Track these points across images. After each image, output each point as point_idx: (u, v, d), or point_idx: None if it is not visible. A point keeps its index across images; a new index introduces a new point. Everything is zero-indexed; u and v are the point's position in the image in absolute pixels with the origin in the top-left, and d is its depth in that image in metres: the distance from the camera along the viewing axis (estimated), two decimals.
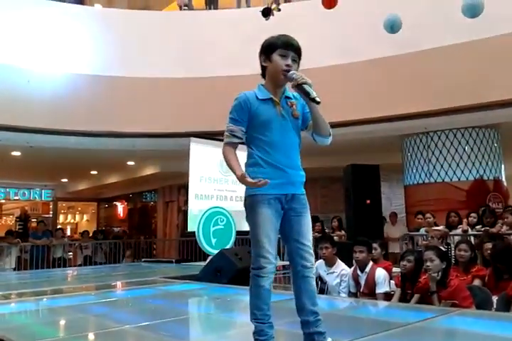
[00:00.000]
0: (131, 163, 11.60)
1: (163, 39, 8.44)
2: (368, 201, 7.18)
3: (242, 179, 1.93)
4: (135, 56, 8.31)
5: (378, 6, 6.88)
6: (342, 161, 8.28)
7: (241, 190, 8.41)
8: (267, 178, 1.94)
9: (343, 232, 7.97)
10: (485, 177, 7.88)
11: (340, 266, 4.37)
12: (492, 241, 4.81)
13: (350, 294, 4.30)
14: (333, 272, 4.37)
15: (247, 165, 2.09)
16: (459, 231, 6.16)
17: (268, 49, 2.10)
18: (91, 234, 11.84)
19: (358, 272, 4.22)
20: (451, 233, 6.17)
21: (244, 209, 2.08)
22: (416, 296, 3.70)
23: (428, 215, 6.98)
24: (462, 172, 7.90)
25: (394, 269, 4.62)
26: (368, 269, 4.15)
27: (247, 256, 5.03)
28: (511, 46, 6.34)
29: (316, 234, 7.34)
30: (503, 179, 8.21)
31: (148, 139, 8.44)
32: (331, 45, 7.53)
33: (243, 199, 2.11)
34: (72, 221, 19.15)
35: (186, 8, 9.70)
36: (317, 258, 4.86)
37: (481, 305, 3.53)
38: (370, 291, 4.11)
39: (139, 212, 16.19)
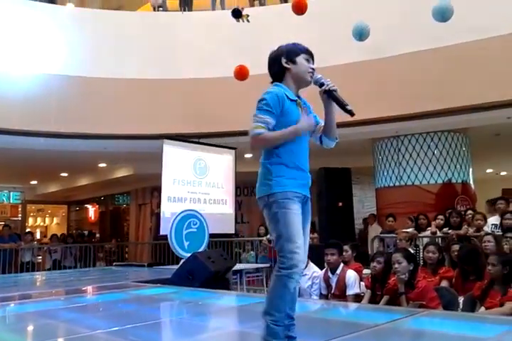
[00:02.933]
0: (102, 164, 11.42)
1: (136, 40, 8.36)
2: (340, 204, 7.29)
3: (309, 122, 2.06)
4: (108, 57, 8.20)
5: (347, 12, 6.99)
6: (314, 164, 8.34)
7: (214, 192, 8.36)
8: (293, 178, 2.01)
9: (315, 235, 8.04)
10: (453, 181, 8.08)
11: (312, 269, 4.42)
12: (459, 243, 4.95)
13: (322, 296, 4.35)
14: (305, 274, 4.41)
15: (270, 163, 2.05)
16: (427, 233, 6.30)
17: (292, 52, 2.18)
18: (61, 237, 11.59)
19: (329, 274, 4.27)
20: (419, 235, 6.31)
21: (266, 207, 2.01)
22: (385, 297, 3.77)
23: (390, 219, 7.13)
24: (431, 175, 8.09)
25: (365, 271, 4.69)
26: (338, 271, 4.21)
27: (220, 259, 5.02)
28: (479, 53, 6.52)
29: None
30: (471, 182, 8.44)
31: (120, 141, 8.33)
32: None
33: (264, 197, 2.02)
34: (41, 224, 18.69)
35: (161, 8, 9.64)
36: None
37: (448, 305, 3.63)
38: (340, 293, 4.17)
39: (110, 214, 15.93)
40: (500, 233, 5.22)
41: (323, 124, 2.22)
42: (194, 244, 6.32)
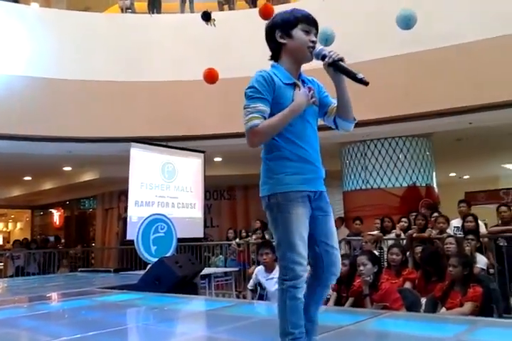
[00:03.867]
0: (67, 168, 11.17)
1: (103, 41, 8.24)
2: None
3: (299, 95, 1.76)
4: (74, 58, 8.04)
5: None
6: None
7: (183, 196, 8.30)
8: (297, 173, 1.76)
9: None
10: (418, 184, 8.29)
11: None
12: (422, 245, 5.08)
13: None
14: (273, 278, 4.42)
15: (269, 159, 1.81)
16: (392, 235, 6.44)
17: (287, 24, 1.84)
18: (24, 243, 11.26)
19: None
20: (384, 237, 6.43)
21: (267, 209, 1.80)
22: (350, 299, 3.83)
23: (357, 222, 7.27)
24: (397, 179, 8.28)
25: None
26: None
27: (187, 264, 4.99)
28: (444, 59, 6.72)
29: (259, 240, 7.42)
30: (435, 186, 8.68)
31: (85, 144, 8.18)
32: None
33: (265, 197, 1.81)
34: (4, 229, 18.13)
35: (129, 10, 9.54)
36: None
37: (411, 306, 3.71)
38: None
39: (76, 219, 15.59)
40: (462, 235, 5.38)
41: (335, 104, 1.90)
42: (162, 249, 6.25)
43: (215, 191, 13.40)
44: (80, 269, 8.68)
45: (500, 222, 5.66)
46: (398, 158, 8.31)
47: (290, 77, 1.84)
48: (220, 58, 7.14)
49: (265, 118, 1.73)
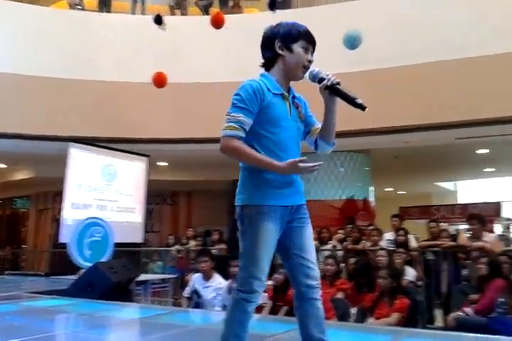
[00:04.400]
0: (2, 165, 10.60)
1: (48, 36, 7.90)
2: None
3: (294, 166, 1.64)
4: (14, 51, 7.67)
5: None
6: (227, 175, 8.44)
7: (123, 200, 8.06)
8: (274, 187, 1.72)
9: (222, 245, 8.09)
10: (355, 197, 8.58)
11: (217, 280, 4.44)
12: (356, 257, 5.26)
13: (225, 307, 4.37)
14: (210, 286, 4.42)
15: (247, 168, 1.77)
16: (328, 246, 6.61)
17: (290, 37, 1.82)
18: None
19: (234, 285, 4.31)
20: (321, 248, 6.59)
21: (239, 219, 1.77)
22: (285, 308, 3.88)
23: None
24: (336, 191, 8.52)
25: (269, 282, 4.80)
26: None
27: (122, 270, 4.87)
28: (381, 80, 7.00)
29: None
30: (371, 199, 9.02)
31: (21, 141, 7.78)
32: (221, 63, 7.67)
33: (238, 207, 1.78)
34: None
35: (79, 7, 9.25)
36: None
37: (342, 316, 3.83)
38: None
39: (7, 219, 14.77)
40: (394, 248, 5.62)
41: (319, 126, 1.90)
42: (97, 254, 6.06)
43: (157, 196, 13.17)
44: (7, 272, 8.22)
45: (430, 236, 5.97)
46: (339, 171, 8.57)
47: (278, 87, 1.82)
48: (169, 63, 7.07)
49: (243, 130, 1.72)
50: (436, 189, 15.21)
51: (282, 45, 1.82)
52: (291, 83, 1.90)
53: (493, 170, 11.79)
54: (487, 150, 9.14)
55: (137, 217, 8.35)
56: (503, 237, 8.46)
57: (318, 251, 6.49)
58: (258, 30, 7.18)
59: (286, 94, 1.84)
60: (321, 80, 1.79)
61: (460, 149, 8.90)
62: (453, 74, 6.53)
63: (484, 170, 11.82)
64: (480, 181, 15.31)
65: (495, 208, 12.65)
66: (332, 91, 1.79)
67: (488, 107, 6.34)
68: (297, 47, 1.81)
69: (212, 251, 7.93)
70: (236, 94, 1.77)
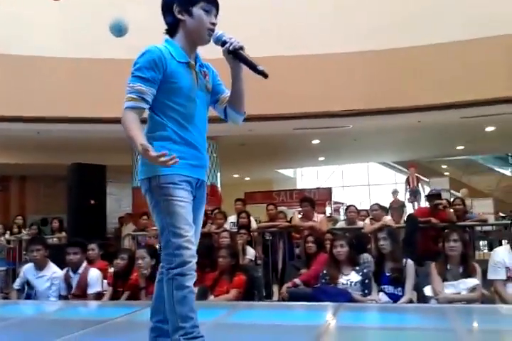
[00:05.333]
0: None
1: None
2: (93, 202, 7.07)
3: (144, 152, 1.50)
4: None
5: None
6: (67, 159, 7.92)
7: None
8: (181, 158, 1.59)
9: (63, 234, 7.59)
10: None
11: (51, 269, 4.16)
12: (201, 239, 5.40)
13: (61, 297, 4.14)
14: (44, 275, 4.13)
15: (153, 137, 1.67)
16: None
17: (188, 0, 1.71)
18: None
19: (71, 273, 4.10)
20: None
21: (147, 192, 1.67)
22: (126, 293, 3.85)
23: (144, 217, 7.31)
24: None
25: (111, 269, 4.67)
26: (80, 270, 4.08)
27: None
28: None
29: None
30: (219, 185, 9.31)
31: None
32: (63, 38, 7.09)
33: (144, 180, 1.68)
34: None
35: None
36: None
37: None
38: (82, 292, 4.04)
39: None
40: (236, 230, 5.91)
41: (228, 94, 1.85)
42: None
43: None
44: None
45: (268, 218, 6.41)
46: None
47: (185, 55, 1.73)
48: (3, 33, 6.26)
49: (144, 101, 1.64)
50: (277, 175, 16.33)
51: (182, 10, 1.72)
52: (199, 49, 1.83)
53: (323, 158, 13.10)
54: (318, 141, 10.11)
55: None
56: (330, 218, 9.55)
57: None
58: (99, 5, 6.90)
59: (193, 62, 1.76)
60: (224, 43, 1.73)
61: (298, 139, 9.69)
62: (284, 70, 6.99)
63: (318, 158, 13.07)
64: (315, 168, 16.93)
65: (327, 193, 14.15)
66: (234, 55, 1.73)
67: (321, 102, 7.03)
68: (198, 10, 1.72)
69: (54, 239, 7.41)
70: (135, 63, 1.67)
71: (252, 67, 1.72)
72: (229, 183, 12.39)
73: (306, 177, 18.13)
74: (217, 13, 1.78)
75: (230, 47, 1.72)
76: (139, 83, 1.64)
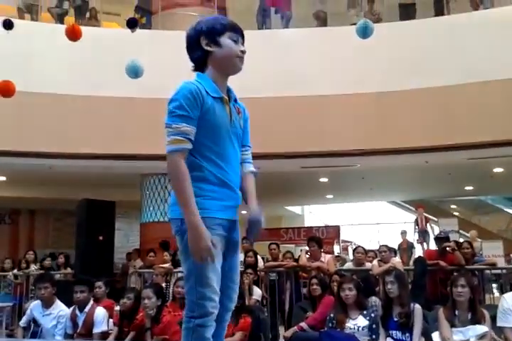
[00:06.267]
0: None
1: None
2: (101, 237, 7.11)
3: (204, 251, 1.50)
4: None
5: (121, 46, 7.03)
6: (77, 195, 8.02)
7: None
8: (217, 199, 1.58)
9: (69, 270, 7.57)
10: None
11: (59, 307, 4.16)
12: None
13: (67, 336, 4.11)
14: (50, 314, 4.12)
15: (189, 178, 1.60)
16: (181, 268, 6.60)
17: (214, 31, 1.68)
18: None
19: (77, 312, 4.09)
20: (175, 270, 6.58)
21: (178, 234, 1.61)
22: (131, 334, 3.81)
23: (151, 254, 7.30)
24: None
25: (117, 307, 4.64)
26: (87, 309, 4.07)
27: None
28: None
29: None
30: None
31: None
32: (72, 74, 7.34)
33: (176, 220, 1.62)
34: None
35: None
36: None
37: None
38: (87, 332, 4.02)
39: None
40: (243, 269, 5.87)
41: (248, 152, 1.84)
42: None
43: None
44: None
45: (271, 258, 6.35)
46: None
47: (217, 90, 1.67)
48: (14, 69, 6.49)
49: (190, 141, 1.57)
50: (285, 212, 16.28)
51: (209, 41, 1.69)
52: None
53: (331, 196, 13.10)
54: (327, 179, 10.16)
55: None
56: (338, 257, 9.44)
57: (171, 273, 6.48)
58: (114, 45, 7.18)
59: (226, 97, 1.70)
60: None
61: (305, 177, 9.76)
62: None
63: (326, 196, 13.07)
64: (322, 206, 16.87)
65: (335, 231, 14.02)
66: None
67: (329, 141, 7.15)
68: (225, 40, 1.70)
69: (57, 276, 7.39)
70: (173, 101, 1.60)
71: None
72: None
73: (314, 214, 18.06)
74: (243, 42, 1.76)
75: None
76: (183, 123, 1.57)
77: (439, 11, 8.10)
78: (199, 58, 1.72)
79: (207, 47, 1.69)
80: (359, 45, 5.77)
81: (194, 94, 1.59)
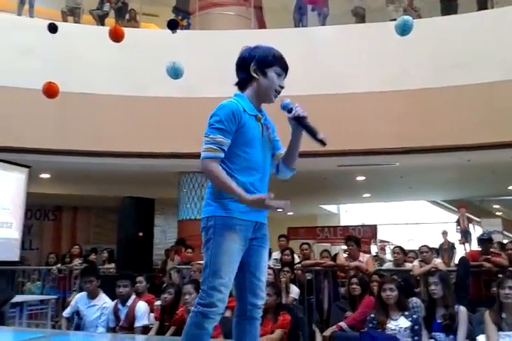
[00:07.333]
0: None
1: None
2: (141, 234, 7.27)
3: (260, 202, 1.67)
4: None
5: (161, 48, 7.15)
6: (120, 192, 8.21)
7: (5, 216, 7.37)
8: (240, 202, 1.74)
9: (112, 265, 7.77)
10: None
11: (103, 299, 4.28)
12: None
13: (109, 329, 4.22)
14: (95, 305, 4.25)
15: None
16: None
17: (265, 62, 1.89)
18: None
19: (119, 306, 4.20)
20: None
21: (204, 230, 1.78)
22: (172, 328, 3.87)
23: (189, 250, 7.41)
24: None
25: (157, 302, 4.73)
26: (129, 303, 4.17)
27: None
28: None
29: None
30: None
31: None
32: (112, 75, 7.51)
33: (204, 218, 1.81)
34: None
35: None
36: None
37: (229, 334, 3.90)
38: (129, 325, 4.11)
39: None
40: (280, 267, 5.86)
41: (283, 152, 2.01)
42: None
43: (38, 210, 12.29)
44: None
45: (302, 258, 6.29)
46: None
47: (254, 109, 1.90)
48: (58, 70, 6.69)
49: (223, 150, 1.78)
50: (321, 211, 16.16)
51: (257, 69, 1.89)
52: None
53: (368, 195, 12.90)
54: (364, 178, 10.01)
55: (14, 232, 7.72)
56: (377, 257, 9.30)
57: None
58: (154, 46, 7.30)
59: (260, 115, 1.92)
60: (290, 110, 1.90)
61: (342, 175, 9.64)
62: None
63: (363, 195, 12.89)
64: (359, 205, 16.65)
65: (372, 230, 13.81)
66: (297, 122, 1.91)
67: (367, 139, 7.04)
68: (271, 72, 1.89)
69: (103, 270, 7.59)
70: (214, 115, 1.82)
71: (313, 134, 1.89)
72: (272, 217, 12.35)
73: (350, 213, 17.85)
74: (285, 76, 1.95)
75: (295, 114, 1.88)
76: (219, 135, 1.78)
77: (483, 5, 7.84)
78: (244, 79, 1.93)
79: (254, 73, 1.89)
80: (398, 42, 5.65)
81: (234, 111, 1.80)
